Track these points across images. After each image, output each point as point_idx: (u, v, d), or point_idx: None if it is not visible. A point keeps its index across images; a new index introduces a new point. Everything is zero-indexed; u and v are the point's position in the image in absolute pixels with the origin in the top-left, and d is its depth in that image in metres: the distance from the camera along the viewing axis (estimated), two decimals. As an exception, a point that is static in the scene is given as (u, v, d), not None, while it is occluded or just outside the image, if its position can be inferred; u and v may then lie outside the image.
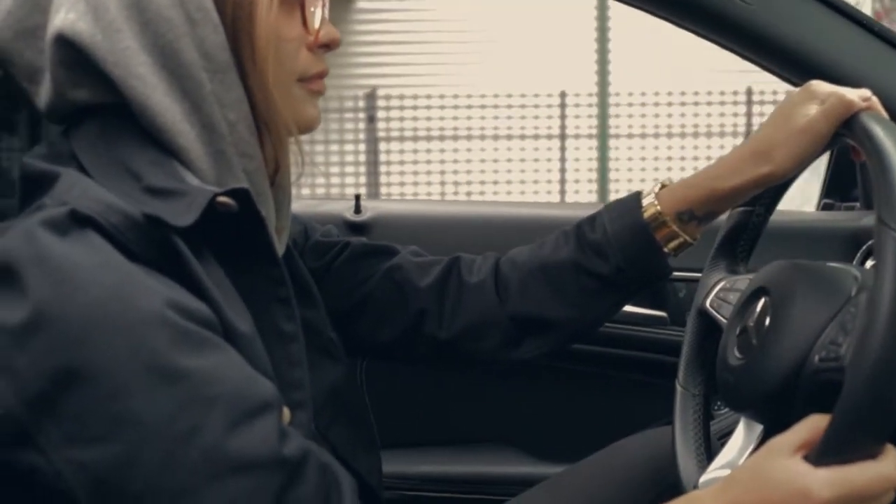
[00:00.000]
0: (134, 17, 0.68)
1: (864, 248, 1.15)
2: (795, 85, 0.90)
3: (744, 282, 0.88)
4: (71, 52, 0.69)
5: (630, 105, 6.99)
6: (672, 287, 1.46)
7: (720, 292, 0.90)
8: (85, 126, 0.72)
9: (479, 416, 1.57)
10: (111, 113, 0.71)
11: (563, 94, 7.02)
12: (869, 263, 1.14)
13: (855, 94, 0.79)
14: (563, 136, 7.06)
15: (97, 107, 0.71)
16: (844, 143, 0.81)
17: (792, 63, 1.14)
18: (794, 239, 1.41)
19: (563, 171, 7.10)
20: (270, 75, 0.73)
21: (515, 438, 1.57)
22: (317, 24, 0.77)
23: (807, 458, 0.64)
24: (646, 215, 0.89)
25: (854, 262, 1.15)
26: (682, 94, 6.88)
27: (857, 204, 1.56)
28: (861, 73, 1.10)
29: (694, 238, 0.90)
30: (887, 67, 1.14)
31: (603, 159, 7.07)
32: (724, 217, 0.93)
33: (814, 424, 0.65)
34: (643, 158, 7.08)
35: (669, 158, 7.03)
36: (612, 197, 7.11)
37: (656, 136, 7.05)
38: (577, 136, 7.14)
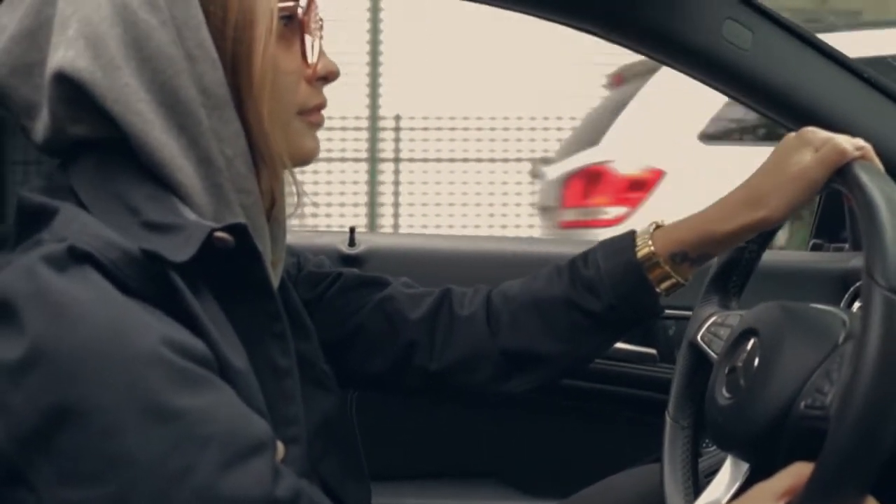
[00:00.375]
0: (133, 54, 0.68)
1: (852, 289, 1.16)
2: (790, 130, 0.92)
3: (735, 318, 0.89)
4: (70, 88, 0.69)
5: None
6: (662, 324, 1.47)
7: (711, 327, 0.91)
8: (83, 160, 0.72)
9: (469, 450, 1.56)
10: (109, 148, 0.71)
11: (397, 118, 7.06)
12: (856, 306, 1.15)
13: (849, 143, 0.80)
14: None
15: (95, 141, 0.71)
16: (836, 189, 0.82)
17: (787, 109, 1.15)
18: (782, 279, 1.43)
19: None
20: (268, 110, 0.73)
21: (505, 473, 1.56)
22: (315, 58, 0.77)
23: None
24: (639, 255, 0.90)
25: (842, 304, 1.16)
26: (506, 118, 6.95)
27: (846, 245, 1.57)
28: (855, 121, 1.12)
29: (686, 279, 0.91)
30: (881, 116, 1.16)
31: (373, 183, 7.09)
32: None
33: (798, 472, 0.66)
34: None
35: (491, 183, 7.08)
36: (381, 221, 6.82)
37: (478, 160, 7.08)
38: (404, 160, 7.17)
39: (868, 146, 0.81)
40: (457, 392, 0.99)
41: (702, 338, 0.92)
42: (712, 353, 0.89)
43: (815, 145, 0.82)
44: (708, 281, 0.95)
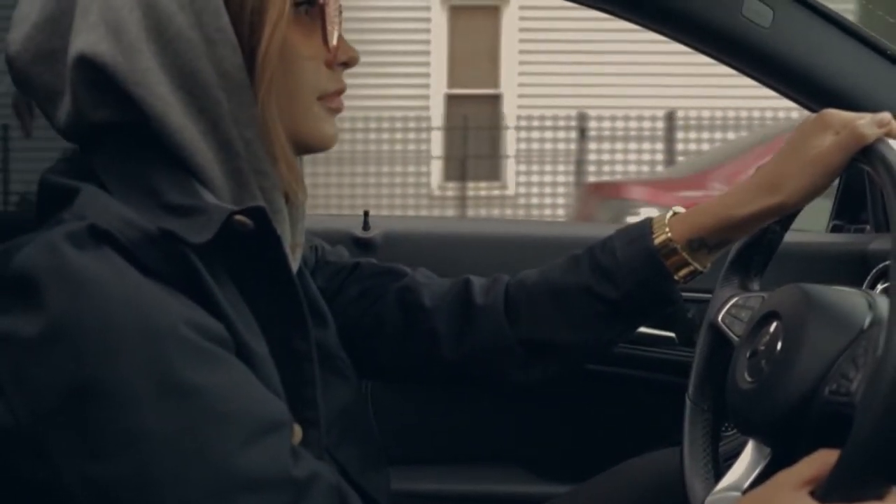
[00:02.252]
0: (153, 38, 0.69)
1: (875, 271, 1.14)
2: (814, 111, 0.90)
3: (756, 300, 0.87)
4: (92, 72, 0.70)
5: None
6: (681, 307, 1.45)
7: (732, 308, 0.90)
8: (104, 143, 0.72)
9: (486, 434, 1.56)
10: (130, 131, 0.72)
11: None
12: (880, 287, 1.14)
13: (870, 125, 0.78)
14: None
15: (117, 125, 0.72)
16: (860, 168, 0.80)
17: (808, 88, 1.13)
18: (803, 260, 1.41)
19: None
20: (287, 94, 0.74)
21: (521, 457, 1.56)
22: (334, 43, 0.78)
23: (813, 494, 0.64)
24: (656, 242, 0.89)
25: (864, 286, 1.14)
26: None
27: (867, 226, 1.55)
28: (879, 100, 1.10)
29: (704, 266, 0.90)
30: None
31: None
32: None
33: (822, 460, 0.65)
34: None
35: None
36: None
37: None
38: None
39: (893, 121, 0.79)
40: (475, 382, 0.99)
41: (722, 319, 0.91)
42: (733, 336, 0.88)
43: (835, 128, 0.81)
44: (729, 261, 0.94)
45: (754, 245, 0.92)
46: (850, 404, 0.66)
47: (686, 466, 0.90)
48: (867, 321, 0.72)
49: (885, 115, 0.79)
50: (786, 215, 0.88)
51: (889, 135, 0.78)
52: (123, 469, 0.59)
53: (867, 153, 0.77)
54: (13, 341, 0.61)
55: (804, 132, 0.83)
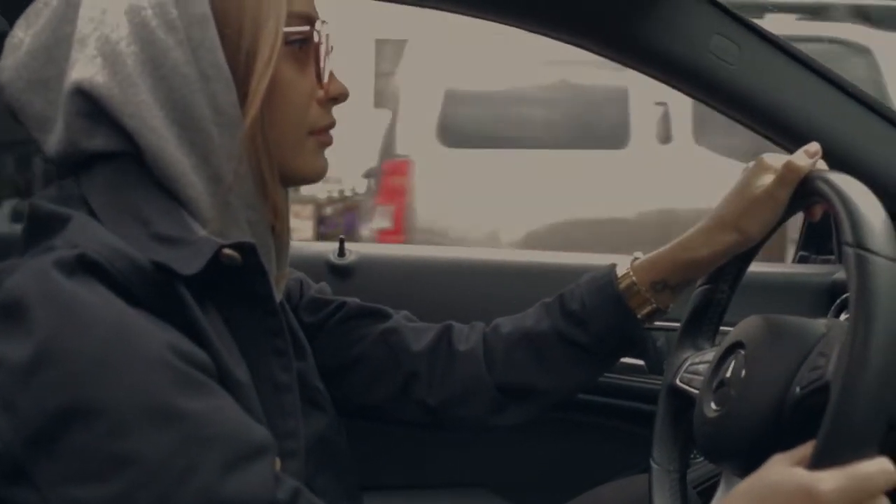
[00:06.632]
0: (149, 71, 0.71)
1: (839, 301, 1.17)
2: (788, 150, 0.93)
3: (711, 353, 0.90)
4: (87, 103, 0.71)
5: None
6: (650, 336, 1.47)
7: (690, 367, 0.93)
8: (96, 172, 0.73)
9: (458, 460, 1.56)
10: (122, 161, 0.73)
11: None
12: (843, 317, 1.16)
13: (802, 157, 0.83)
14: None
15: (109, 154, 0.73)
16: (809, 203, 0.84)
17: (772, 123, 1.16)
18: (769, 291, 1.44)
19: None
20: (281, 129, 0.75)
21: (494, 483, 1.56)
22: (326, 79, 0.79)
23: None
24: (621, 286, 0.93)
25: (829, 315, 1.17)
26: None
27: (833, 257, 1.58)
28: (840, 135, 1.13)
29: (666, 306, 0.94)
30: (866, 129, 1.17)
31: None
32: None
33: (810, 444, 0.66)
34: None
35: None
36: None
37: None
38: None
39: (817, 144, 0.84)
40: (452, 424, 1.00)
41: (681, 380, 0.93)
42: (693, 391, 0.90)
43: (774, 168, 0.86)
44: (682, 327, 0.97)
45: (704, 307, 0.95)
46: (825, 386, 0.67)
47: None
48: (825, 327, 0.75)
49: (814, 145, 0.84)
50: (738, 267, 0.93)
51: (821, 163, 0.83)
52: (109, 493, 0.60)
53: (806, 185, 0.82)
54: (2, 365, 0.61)
55: (747, 176, 0.88)
